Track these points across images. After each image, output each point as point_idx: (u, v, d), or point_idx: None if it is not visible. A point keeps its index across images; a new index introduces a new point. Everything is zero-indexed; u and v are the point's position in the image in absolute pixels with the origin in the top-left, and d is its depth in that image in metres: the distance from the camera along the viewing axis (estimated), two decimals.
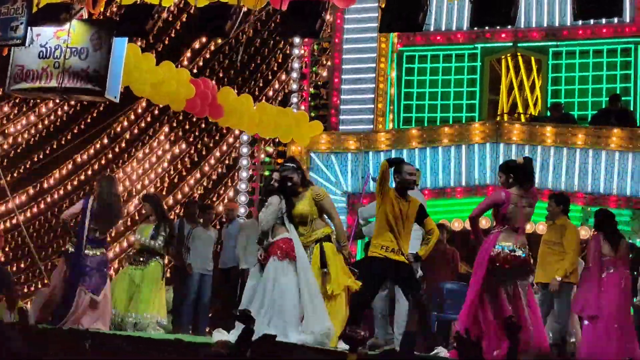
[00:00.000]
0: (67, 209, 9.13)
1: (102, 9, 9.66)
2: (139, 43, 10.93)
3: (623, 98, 12.73)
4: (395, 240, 7.11)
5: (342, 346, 6.62)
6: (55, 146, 16.46)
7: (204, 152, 15.82)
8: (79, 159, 16.21)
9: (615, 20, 12.52)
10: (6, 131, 16.18)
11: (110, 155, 16.19)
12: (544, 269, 8.26)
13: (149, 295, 8.78)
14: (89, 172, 16.19)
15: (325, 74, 14.20)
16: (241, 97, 12.03)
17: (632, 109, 12.69)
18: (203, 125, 15.86)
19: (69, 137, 16.43)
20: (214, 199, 15.57)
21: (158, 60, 10.58)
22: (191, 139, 15.96)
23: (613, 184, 11.53)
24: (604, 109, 12.28)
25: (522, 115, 13.46)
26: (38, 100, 15.95)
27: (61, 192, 16.26)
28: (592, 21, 12.66)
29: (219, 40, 14.93)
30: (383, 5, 7.69)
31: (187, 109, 11.34)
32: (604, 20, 12.71)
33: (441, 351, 7.02)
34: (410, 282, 7.21)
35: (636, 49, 12.84)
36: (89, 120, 16.21)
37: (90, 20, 8.98)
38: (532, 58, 13.63)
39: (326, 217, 7.40)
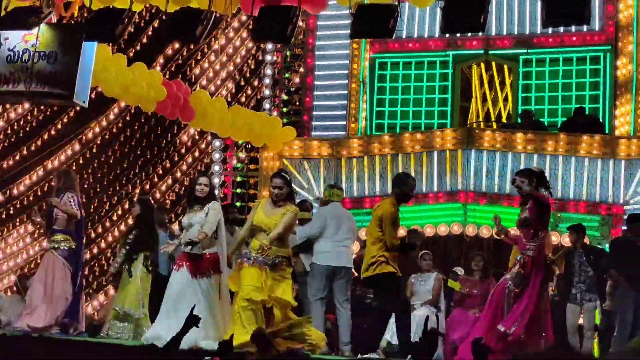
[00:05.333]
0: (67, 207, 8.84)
1: (75, 13, 9.58)
2: (109, 48, 10.84)
3: (592, 105, 12.88)
4: None
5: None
6: (25, 152, 16.28)
7: (175, 158, 15.72)
8: (49, 165, 16.05)
9: (585, 28, 12.65)
10: None
11: (81, 162, 16.04)
12: None
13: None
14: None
15: (297, 80, 14.19)
16: (214, 99, 11.99)
17: (601, 116, 12.83)
18: (175, 131, 15.78)
19: (39, 143, 16.26)
20: (185, 205, 15.45)
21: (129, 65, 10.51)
22: (163, 144, 15.86)
23: (582, 190, 11.65)
24: (569, 119, 12.41)
25: (493, 122, 13.55)
26: (7, 106, 15.78)
27: (31, 198, 16.08)
28: (561, 29, 12.82)
29: (192, 46, 14.88)
30: (354, 12, 7.72)
31: (157, 111, 11.29)
32: (573, 29, 12.84)
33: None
34: None
35: (605, 57, 12.98)
36: (59, 126, 16.05)
37: (59, 24, 8.91)
38: (503, 65, 13.74)
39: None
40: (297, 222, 7.57)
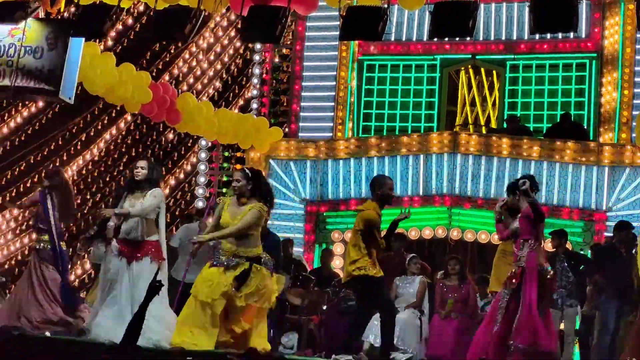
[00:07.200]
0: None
1: (61, 8, 9.52)
2: (98, 46, 10.79)
3: (577, 112, 12.96)
4: None
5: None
6: (8, 147, 16.19)
7: (160, 157, 15.68)
8: (32, 160, 15.98)
9: (572, 35, 12.73)
10: None
11: (65, 157, 15.97)
12: (498, 279, 8.34)
13: None
14: (44, 174, 15.95)
15: (285, 80, 14.19)
16: (201, 103, 11.97)
17: (585, 122, 12.91)
18: (161, 129, 15.74)
19: (23, 139, 16.19)
20: (170, 203, 15.44)
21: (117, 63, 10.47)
22: (148, 142, 15.82)
23: (566, 196, 11.72)
24: (555, 125, 12.49)
25: (479, 127, 13.60)
26: None
27: (13, 193, 16.00)
28: (549, 36, 12.87)
29: (179, 45, 14.85)
30: (344, 14, 7.74)
31: (143, 112, 11.25)
32: (560, 35, 12.90)
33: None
34: None
35: (591, 64, 13.05)
36: (43, 121, 15.98)
37: (46, 19, 8.84)
38: (490, 70, 13.78)
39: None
40: (262, 219, 7.16)
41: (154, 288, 5.78)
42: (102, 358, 6.38)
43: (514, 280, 7.03)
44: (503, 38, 13.42)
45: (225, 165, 14.03)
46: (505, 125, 12.87)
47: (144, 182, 7.46)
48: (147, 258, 7.38)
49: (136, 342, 5.70)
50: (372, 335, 8.33)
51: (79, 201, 16.24)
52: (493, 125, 13.54)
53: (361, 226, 7.55)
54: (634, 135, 11.97)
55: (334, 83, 13.64)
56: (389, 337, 7.65)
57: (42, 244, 8.31)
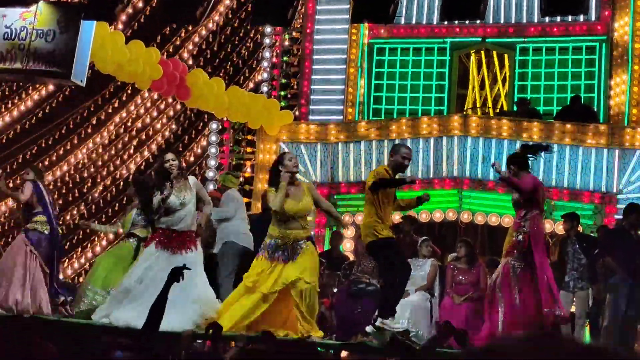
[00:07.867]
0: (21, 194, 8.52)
1: None
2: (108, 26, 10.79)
3: (587, 95, 12.93)
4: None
5: None
6: (19, 131, 16.24)
7: (172, 140, 15.72)
8: (43, 144, 16.03)
9: (582, 18, 12.67)
10: None
11: (75, 140, 16.02)
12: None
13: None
14: (54, 157, 16.03)
15: (296, 63, 14.17)
16: (212, 80, 11.96)
17: (595, 105, 12.88)
18: (171, 113, 15.77)
19: (33, 122, 16.23)
20: None
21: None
22: (159, 126, 15.84)
23: (577, 178, 11.72)
24: (565, 108, 12.46)
25: (491, 110, 13.57)
26: (3, 84, 15.74)
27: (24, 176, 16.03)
28: (559, 19, 12.82)
29: (190, 28, 14.84)
30: None
31: (153, 89, 11.28)
32: (570, 18, 12.85)
33: None
34: None
35: (601, 47, 13.01)
36: (54, 105, 16.00)
37: (57, 2, 8.88)
38: (501, 53, 13.74)
39: None
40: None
41: (176, 276, 5.81)
42: (106, 342, 6.42)
43: (521, 248, 7.13)
44: (513, 21, 13.39)
45: (235, 148, 14.03)
46: (515, 108, 12.85)
47: (179, 173, 7.57)
48: (195, 251, 7.47)
49: (157, 329, 5.74)
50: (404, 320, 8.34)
51: (89, 184, 16.33)
52: (503, 107, 13.52)
53: (371, 178, 7.49)
54: None
55: (344, 66, 13.62)
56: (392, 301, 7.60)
57: (35, 225, 8.26)
